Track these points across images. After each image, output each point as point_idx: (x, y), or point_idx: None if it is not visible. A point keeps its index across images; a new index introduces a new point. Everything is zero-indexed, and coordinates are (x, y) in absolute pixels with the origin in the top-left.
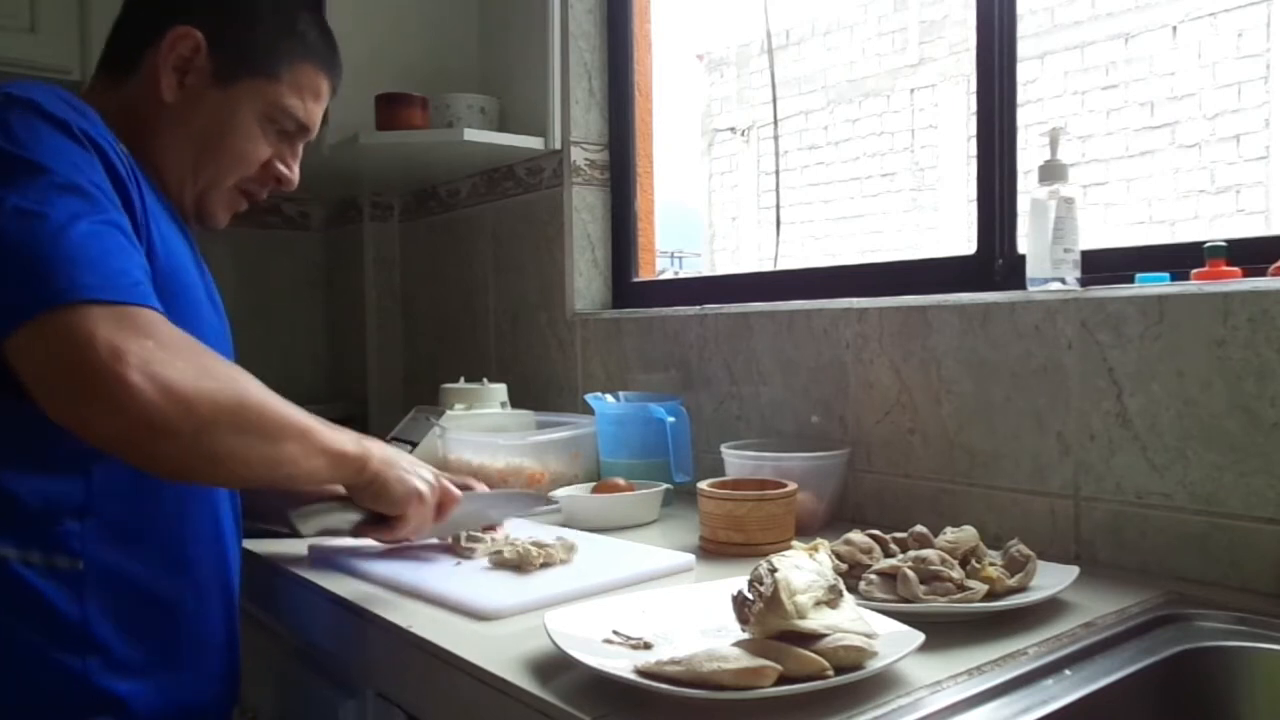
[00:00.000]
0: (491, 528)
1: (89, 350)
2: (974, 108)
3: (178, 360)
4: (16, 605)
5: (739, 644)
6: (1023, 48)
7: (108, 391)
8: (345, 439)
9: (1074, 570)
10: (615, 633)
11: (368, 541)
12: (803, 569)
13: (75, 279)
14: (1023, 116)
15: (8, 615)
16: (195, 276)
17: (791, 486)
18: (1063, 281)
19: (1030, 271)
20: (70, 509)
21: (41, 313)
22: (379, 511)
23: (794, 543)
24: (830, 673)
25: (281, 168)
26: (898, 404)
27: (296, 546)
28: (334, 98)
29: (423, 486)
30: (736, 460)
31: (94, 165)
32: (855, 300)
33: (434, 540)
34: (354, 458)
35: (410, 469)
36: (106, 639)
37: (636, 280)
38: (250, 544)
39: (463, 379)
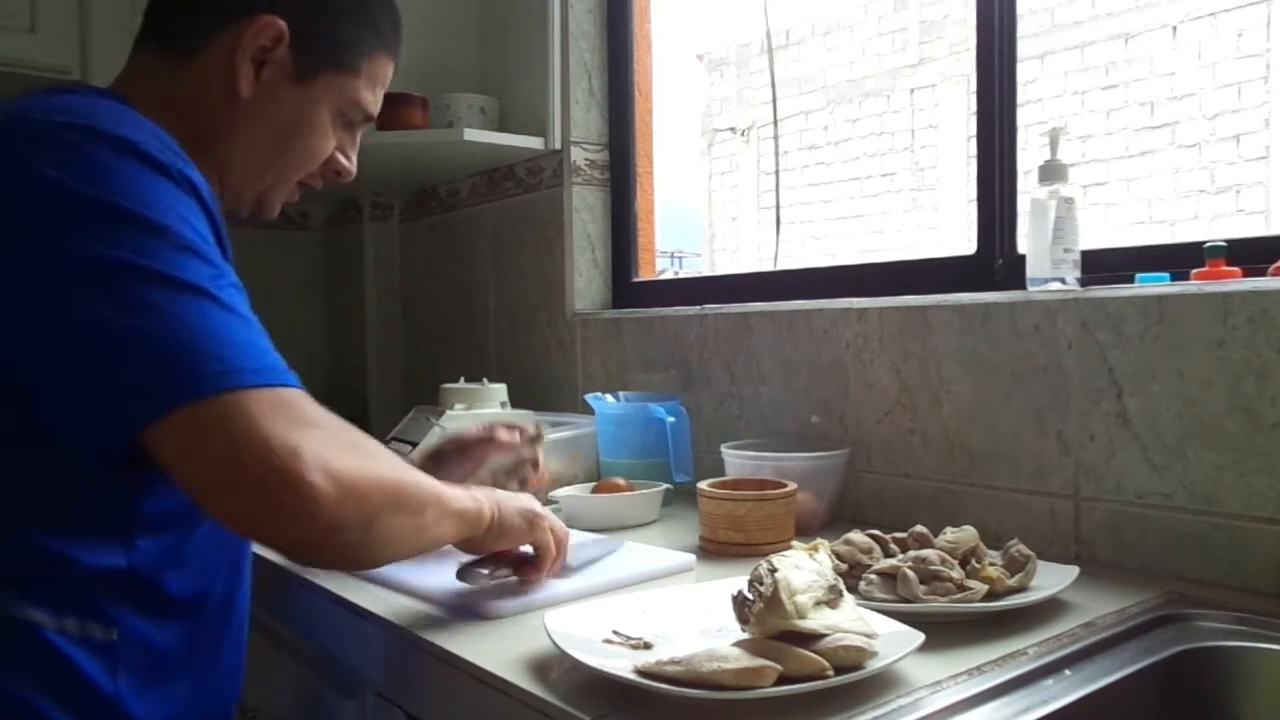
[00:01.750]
0: None
1: (265, 452)
2: (974, 108)
3: (341, 448)
4: (47, 677)
5: (739, 644)
6: (1023, 48)
7: (293, 499)
8: (464, 495)
9: (1074, 570)
10: (615, 633)
11: None
12: (803, 569)
13: (225, 361)
14: (1023, 116)
15: (38, 688)
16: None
17: (791, 486)
18: (1063, 281)
19: (1030, 271)
20: (111, 576)
21: (193, 401)
22: (502, 550)
23: (794, 543)
24: (830, 673)
25: (342, 159)
26: (898, 404)
27: None
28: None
29: (534, 504)
30: (736, 460)
31: (196, 212)
32: (855, 300)
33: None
34: (474, 513)
35: (507, 498)
36: (138, 713)
37: (636, 280)
38: None
39: (463, 379)
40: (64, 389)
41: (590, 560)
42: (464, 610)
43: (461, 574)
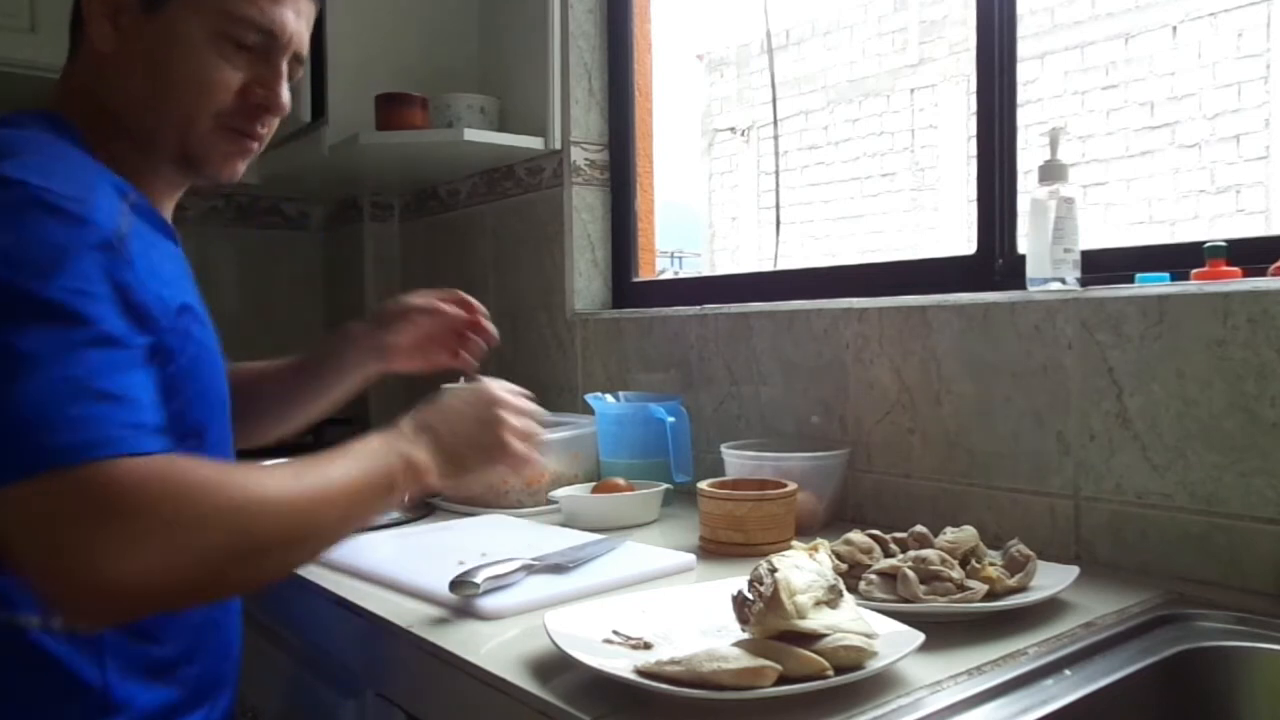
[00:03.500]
0: None
1: (53, 552)
2: (974, 108)
3: (149, 539)
4: (37, 672)
5: (739, 644)
6: (1023, 48)
7: (74, 599)
8: (391, 465)
9: (1074, 570)
10: (615, 633)
11: (375, 539)
12: (803, 569)
13: (41, 440)
14: (1023, 116)
15: (30, 682)
16: (195, 299)
17: (791, 486)
18: (1063, 281)
19: (1030, 271)
20: None
21: (13, 481)
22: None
23: (794, 543)
24: (830, 673)
25: (262, 91)
26: (898, 404)
27: None
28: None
29: (501, 436)
30: (736, 460)
31: (83, 251)
32: (855, 300)
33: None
34: (403, 475)
35: (466, 430)
36: (129, 698)
37: (636, 280)
38: None
39: (462, 379)
40: None
41: (588, 559)
42: (464, 610)
43: (454, 586)
